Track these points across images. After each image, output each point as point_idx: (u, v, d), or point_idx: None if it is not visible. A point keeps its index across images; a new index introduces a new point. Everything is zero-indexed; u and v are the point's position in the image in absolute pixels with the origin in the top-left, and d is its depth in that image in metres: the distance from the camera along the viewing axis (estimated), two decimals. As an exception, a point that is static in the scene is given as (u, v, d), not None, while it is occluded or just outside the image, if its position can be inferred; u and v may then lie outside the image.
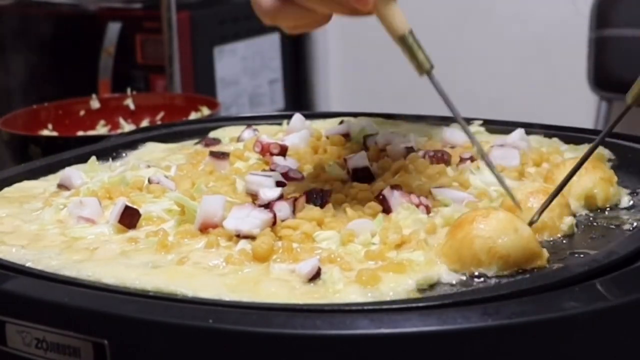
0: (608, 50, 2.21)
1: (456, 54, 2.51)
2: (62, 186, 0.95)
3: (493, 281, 0.70)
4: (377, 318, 0.60)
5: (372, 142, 1.01)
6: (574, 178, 0.84)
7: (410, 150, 0.98)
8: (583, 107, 2.35)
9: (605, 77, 2.22)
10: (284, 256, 0.73)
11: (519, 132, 1.01)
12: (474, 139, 0.82)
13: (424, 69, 0.81)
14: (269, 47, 2.62)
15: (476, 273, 0.71)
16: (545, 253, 0.73)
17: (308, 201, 0.83)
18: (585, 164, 0.87)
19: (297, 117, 1.10)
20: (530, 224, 0.76)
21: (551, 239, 0.78)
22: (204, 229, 0.79)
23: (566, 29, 2.34)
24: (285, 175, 0.91)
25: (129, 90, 1.68)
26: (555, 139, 1.03)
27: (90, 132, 1.58)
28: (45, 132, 1.54)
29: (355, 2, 0.80)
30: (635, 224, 0.80)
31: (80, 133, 1.56)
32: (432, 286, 0.70)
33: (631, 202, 0.86)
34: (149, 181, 0.92)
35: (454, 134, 1.04)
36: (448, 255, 0.72)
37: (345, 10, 0.83)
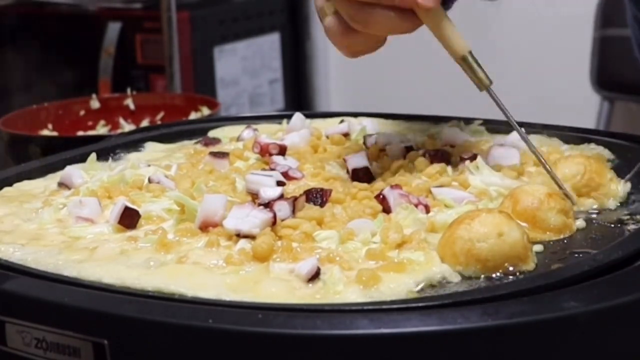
0: (611, 50, 2.21)
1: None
2: (62, 185, 0.95)
3: (493, 281, 0.70)
4: (377, 318, 0.60)
5: (372, 142, 1.01)
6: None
7: (410, 149, 0.98)
8: (584, 107, 2.35)
9: (608, 76, 2.22)
10: (283, 256, 0.73)
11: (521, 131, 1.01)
12: (533, 148, 0.88)
13: (483, 85, 0.90)
14: (269, 47, 2.62)
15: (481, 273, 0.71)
16: (533, 258, 0.72)
17: (308, 200, 0.83)
18: (586, 164, 0.87)
19: (298, 116, 1.10)
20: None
21: (552, 238, 0.78)
22: (204, 227, 0.79)
23: (569, 28, 2.34)
24: (285, 174, 0.91)
25: (129, 90, 1.68)
26: (555, 139, 1.03)
27: (90, 132, 1.58)
28: (45, 132, 1.54)
29: (422, 5, 0.86)
30: (635, 224, 0.80)
31: (80, 133, 1.56)
32: (432, 286, 0.70)
33: (631, 202, 0.86)
34: (149, 180, 0.92)
35: (454, 134, 1.04)
36: (439, 252, 0.73)
37: (402, 28, 0.88)
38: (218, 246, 0.76)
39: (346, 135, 1.07)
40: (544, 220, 0.78)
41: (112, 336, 0.63)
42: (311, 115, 1.15)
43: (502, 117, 1.09)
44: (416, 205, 0.82)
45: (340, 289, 0.67)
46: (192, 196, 0.85)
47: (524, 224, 0.77)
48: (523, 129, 0.90)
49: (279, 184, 0.87)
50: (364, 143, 1.03)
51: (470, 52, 0.89)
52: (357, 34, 0.89)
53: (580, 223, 0.81)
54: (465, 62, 0.90)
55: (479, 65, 0.90)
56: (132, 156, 1.08)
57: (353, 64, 3.03)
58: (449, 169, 0.93)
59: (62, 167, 0.98)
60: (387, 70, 2.71)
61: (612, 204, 0.86)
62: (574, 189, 0.86)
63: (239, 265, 0.72)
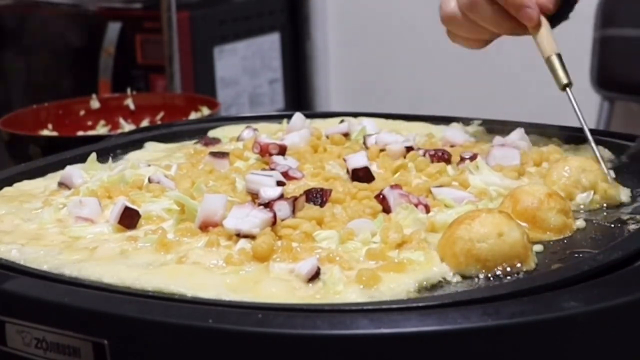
0: (611, 50, 2.20)
1: (457, 52, 2.50)
2: (62, 184, 0.95)
3: (493, 281, 0.70)
4: (377, 318, 0.60)
5: (372, 142, 1.01)
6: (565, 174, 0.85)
7: (410, 149, 0.98)
8: (585, 107, 2.35)
9: (608, 76, 2.21)
10: (283, 256, 0.73)
11: (519, 131, 1.01)
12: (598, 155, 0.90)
13: (560, 85, 0.96)
14: (269, 47, 2.62)
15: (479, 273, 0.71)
16: (533, 258, 0.72)
17: (308, 200, 0.83)
18: (587, 164, 0.87)
19: (298, 116, 1.10)
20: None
21: (552, 238, 0.78)
22: (205, 227, 0.79)
23: (569, 28, 2.34)
24: (285, 174, 0.91)
25: (129, 90, 1.68)
26: (555, 139, 1.03)
27: (90, 132, 1.58)
28: (45, 132, 1.54)
29: (523, 18, 0.98)
30: (635, 224, 0.80)
31: (80, 133, 1.56)
32: (432, 286, 0.70)
33: (631, 202, 0.86)
34: (149, 180, 0.92)
35: (454, 134, 1.04)
36: (439, 252, 0.73)
37: (509, 28, 1.01)
38: (218, 246, 0.76)
39: (346, 135, 1.07)
40: (544, 220, 0.78)
41: (112, 336, 0.63)
42: (311, 115, 1.15)
43: (502, 117, 1.10)
44: (416, 205, 0.82)
45: (340, 289, 0.67)
46: (192, 196, 0.85)
47: (524, 224, 0.77)
48: (590, 136, 0.93)
49: (279, 184, 0.87)
50: (364, 143, 1.03)
51: (558, 55, 0.98)
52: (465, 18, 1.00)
53: (580, 223, 0.81)
54: (548, 63, 0.98)
55: (563, 67, 0.97)
56: (132, 156, 1.08)
57: (353, 64, 3.03)
58: (449, 168, 0.94)
59: (62, 167, 0.98)
60: (387, 71, 2.71)
61: (612, 203, 0.86)
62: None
63: (239, 265, 0.72)
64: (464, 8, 1.01)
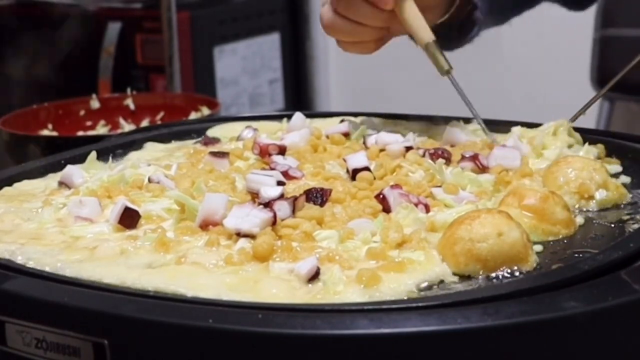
0: (611, 50, 2.20)
1: (457, 52, 2.50)
2: (62, 184, 0.95)
3: (493, 281, 0.70)
4: (377, 318, 0.60)
5: (372, 142, 1.01)
6: (571, 176, 0.84)
7: (410, 149, 0.98)
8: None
9: (608, 76, 2.21)
10: (283, 255, 0.73)
11: (519, 131, 1.01)
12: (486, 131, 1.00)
13: (442, 71, 1.03)
14: (269, 47, 2.62)
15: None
16: (534, 258, 0.72)
17: (308, 200, 0.83)
18: (587, 164, 0.87)
19: (298, 116, 1.09)
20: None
21: (561, 232, 0.78)
22: (205, 226, 0.79)
23: (569, 28, 2.34)
24: (285, 173, 0.91)
25: (129, 90, 1.68)
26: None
27: (90, 132, 1.58)
28: (45, 132, 1.54)
29: (379, 3, 1.00)
30: (635, 223, 0.80)
31: (80, 133, 1.57)
32: (432, 286, 0.70)
33: (631, 202, 0.86)
34: (149, 180, 0.92)
35: (454, 133, 1.04)
36: (439, 252, 0.73)
37: (384, 20, 1.03)
38: (218, 245, 0.75)
39: (346, 135, 1.07)
40: (553, 213, 0.78)
41: (112, 336, 0.63)
42: (311, 115, 1.15)
43: (503, 117, 1.10)
44: (416, 205, 0.82)
45: (340, 289, 0.67)
46: (192, 196, 0.85)
47: (529, 218, 0.77)
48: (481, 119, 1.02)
49: (279, 183, 0.87)
50: (364, 143, 1.03)
51: (435, 41, 1.01)
52: (343, 20, 1.03)
53: (580, 222, 0.81)
54: (427, 50, 1.03)
55: (441, 53, 1.02)
56: (132, 156, 1.08)
57: (353, 64, 3.02)
58: (448, 171, 0.93)
59: (62, 167, 0.98)
60: (387, 71, 2.71)
61: (612, 203, 0.86)
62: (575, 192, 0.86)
63: (239, 265, 0.72)
64: (339, 10, 1.03)
